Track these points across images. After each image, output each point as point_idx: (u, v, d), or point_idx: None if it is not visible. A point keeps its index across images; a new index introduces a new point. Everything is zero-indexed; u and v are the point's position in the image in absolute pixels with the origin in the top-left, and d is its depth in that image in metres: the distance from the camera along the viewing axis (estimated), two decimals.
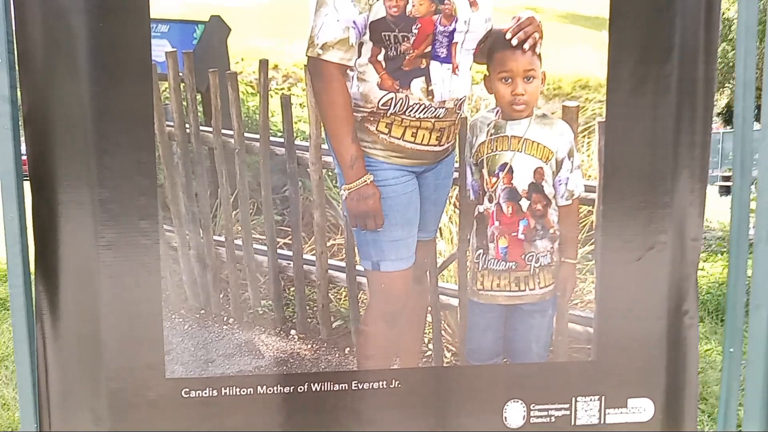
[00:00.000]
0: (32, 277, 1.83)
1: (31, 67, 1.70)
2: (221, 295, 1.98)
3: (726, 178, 9.09)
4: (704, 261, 6.16)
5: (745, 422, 1.96)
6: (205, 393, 1.87)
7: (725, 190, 10.35)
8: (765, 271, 1.89)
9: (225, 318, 1.98)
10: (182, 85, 1.86)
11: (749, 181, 1.89)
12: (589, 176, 1.93)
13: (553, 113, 1.89)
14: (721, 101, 15.31)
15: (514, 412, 1.96)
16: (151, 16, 1.71)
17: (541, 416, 1.97)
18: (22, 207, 1.78)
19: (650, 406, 1.99)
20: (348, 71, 1.76)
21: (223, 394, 1.88)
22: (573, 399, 1.97)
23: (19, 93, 1.75)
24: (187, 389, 1.87)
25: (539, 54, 1.83)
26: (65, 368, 1.82)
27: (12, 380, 3.61)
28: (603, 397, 1.97)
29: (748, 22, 1.79)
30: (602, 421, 1.97)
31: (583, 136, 1.90)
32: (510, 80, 1.84)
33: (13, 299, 1.80)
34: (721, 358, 3.52)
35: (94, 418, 1.84)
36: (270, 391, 1.90)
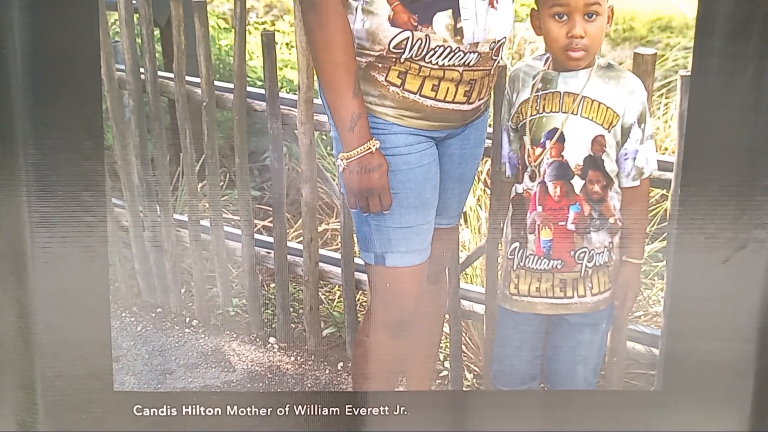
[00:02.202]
0: None
1: None
2: (183, 290, 1.89)
3: None
4: None
5: None
6: (162, 411, 1.69)
7: None
8: None
9: (187, 319, 1.90)
10: (136, 16, 1.74)
11: None
12: (665, 149, 1.75)
13: (621, 63, 1.67)
14: None
15: None
16: None
17: None
18: None
19: None
20: (351, 1, 1.52)
21: (183, 413, 1.70)
22: None
23: None
24: (140, 406, 1.69)
25: None
26: None
27: None
28: None
29: None
30: None
31: (660, 95, 1.73)
32: (566, 17, 1.58)
33: None
34: None
35: None
36: (242, 412, 1.70)
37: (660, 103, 1.76)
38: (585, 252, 1.68)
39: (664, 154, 1.72)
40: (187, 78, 1.78)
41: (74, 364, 1.65)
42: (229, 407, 1.71)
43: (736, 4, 1.53)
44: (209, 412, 1.70)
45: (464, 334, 1.88)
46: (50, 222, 1.58)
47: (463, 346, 1.87)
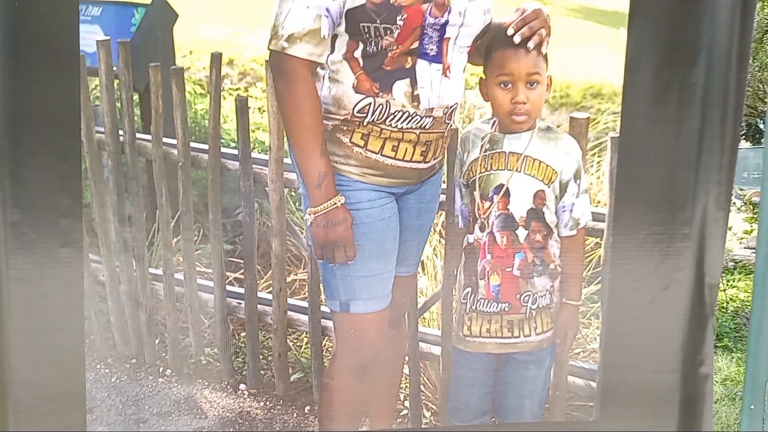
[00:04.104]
0: None
1: None
2: (157, 341, 1.90)
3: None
4: None
5: None
6: None
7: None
8: None
9: (161, 369, 1.86)
10: (116, 82, 1.73)
11: None
12: (598, 202, 1.79)
13: (558, 126, 1.71)
14: None
15: None
16: None
17: None
18: None
19: None
20: (318, 69, 1.53)
21: None
22: None
23: None
24: None
25: (545, 54, 1.62)
26: None
27: None
28: None
29: None
30: None
31: (593, 154, 1.76)
32: (510, 85, 1.63)
33: None
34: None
35: None
36: None
37: (593, 161, 1.78)
38: (529, 295, 1.70)
39: (597, 206, 1.75)
40: (165, 140, 1.76)
41: (49, 417, 1.56)
42: None
43: (657, 74, 1.58)
44: None
45: (422, 375, 1.86)
46: (27, 278, 1.51)
47: (422, 386, 1.86)
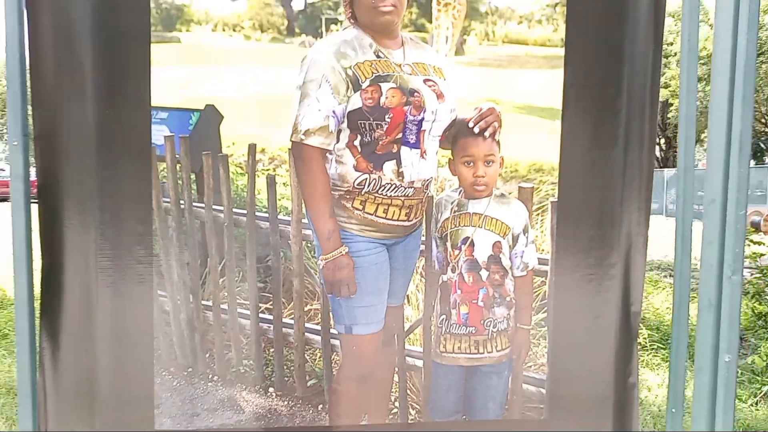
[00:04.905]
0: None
1: (45, 149, 1.69)
2: (207, 355, 1.98)
3: None
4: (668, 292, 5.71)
5: None
6: None
7: None
8: (707, 338, 1.81)
9: (210, 376, 1.98)
10: (178, 165, 1.89)
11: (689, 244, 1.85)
12: (543, 250, 1.92)
13: (510, 193, 1.90)
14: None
15: None
16: (152, 104, 1.70)
17: None
18: (31, 278, 1.74)
19: None
20: (327, 154, 1.76)
21: None
22: None
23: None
24: None
25: (498, 141, 1.84)
26: (63, 420, 1.78)
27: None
28: None
29: (690, 58, 1.81)
30: None
31: (537, 214, 1.90)
32: (472, 164, 1.86)
33: (20, 369, 1.73)
34: None
35: None
36: None
37: (538, 219, 1.91)
38: (491, 321, 1.90)
39: (542, 253, 1.90)
40: (214, 207, 1.93)
41: (126, 411, 1.77)
42: None
43: (585, 154, 1.78)
44: None
45: (409, 382, 1.99)
46: (112, 309, 1.72)
47: (408, 391, 1.99)
